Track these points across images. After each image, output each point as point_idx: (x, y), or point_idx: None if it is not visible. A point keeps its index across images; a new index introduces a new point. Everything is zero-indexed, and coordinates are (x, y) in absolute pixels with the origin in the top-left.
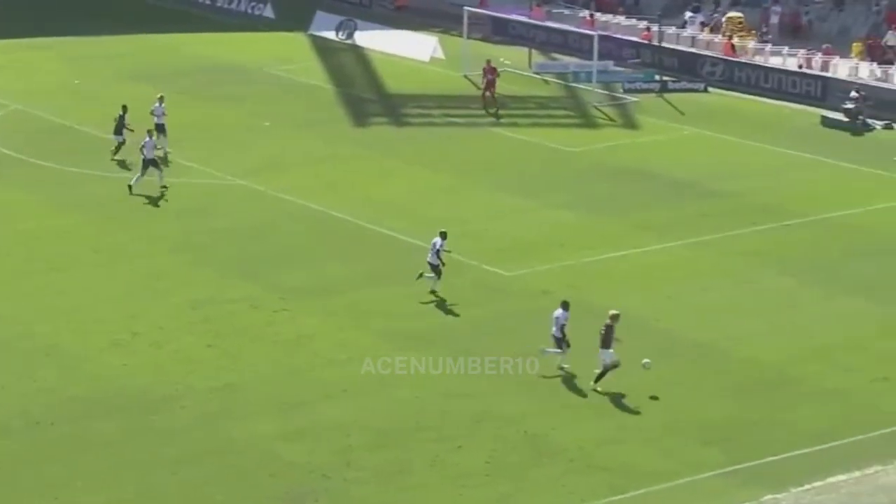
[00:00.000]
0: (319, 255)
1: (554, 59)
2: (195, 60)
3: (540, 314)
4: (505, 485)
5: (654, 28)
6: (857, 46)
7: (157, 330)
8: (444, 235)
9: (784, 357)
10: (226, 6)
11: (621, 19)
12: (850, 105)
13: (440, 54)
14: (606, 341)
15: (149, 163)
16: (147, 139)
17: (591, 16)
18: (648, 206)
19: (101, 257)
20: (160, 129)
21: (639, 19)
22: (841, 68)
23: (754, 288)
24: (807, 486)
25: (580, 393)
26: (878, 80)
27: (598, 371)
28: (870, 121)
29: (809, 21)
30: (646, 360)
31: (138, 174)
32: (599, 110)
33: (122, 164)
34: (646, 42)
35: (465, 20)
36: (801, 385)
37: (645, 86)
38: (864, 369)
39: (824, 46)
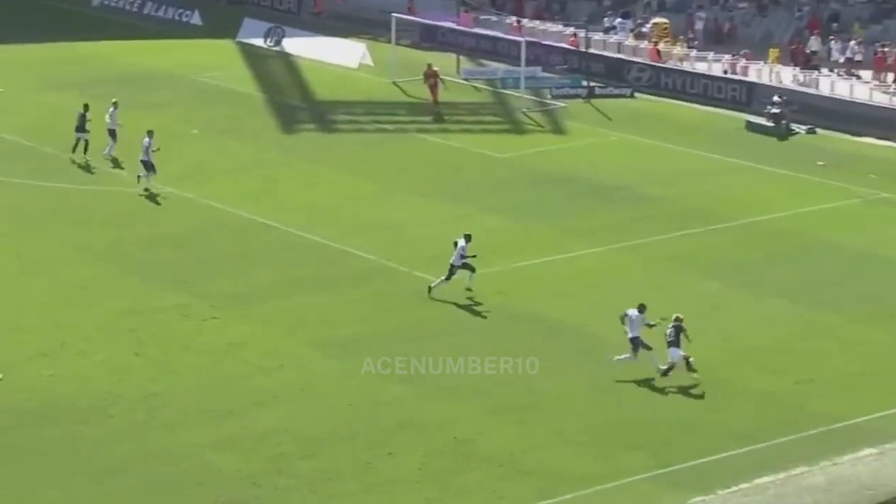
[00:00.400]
0: (249, 263)
1: (482, 65)
2: (122, 68)
3: (469, 320)
4: (435, 491)
5: (581, 34)
6: (773, 52)
7: (84, 339)
8: (468, 238)
9: (711, 360)
10: (153, 13)
11: (548, 25)
12: (776, 110)
13: (369, 61)
14: (675, 341)
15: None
16: (147, 140)
17: (519, 22)
18: (577, 211)
19: (25, 266)
20: (112, 134)
21: (566, 25)
22: (765, 73)
23: (682, 292)
24: (734, 488)
25: (507, 398)
26: (801, 85)
27: (664, 367)
28: (793, 125)
29: (734, 26)
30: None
31: (144, 174)
32: (528, 116)
33: (86, 168)
34: (573, 48)
35: (394, 27)
36: (728, 387)
37: (573, 91)
38: (789, 371)
39: (743, 52)
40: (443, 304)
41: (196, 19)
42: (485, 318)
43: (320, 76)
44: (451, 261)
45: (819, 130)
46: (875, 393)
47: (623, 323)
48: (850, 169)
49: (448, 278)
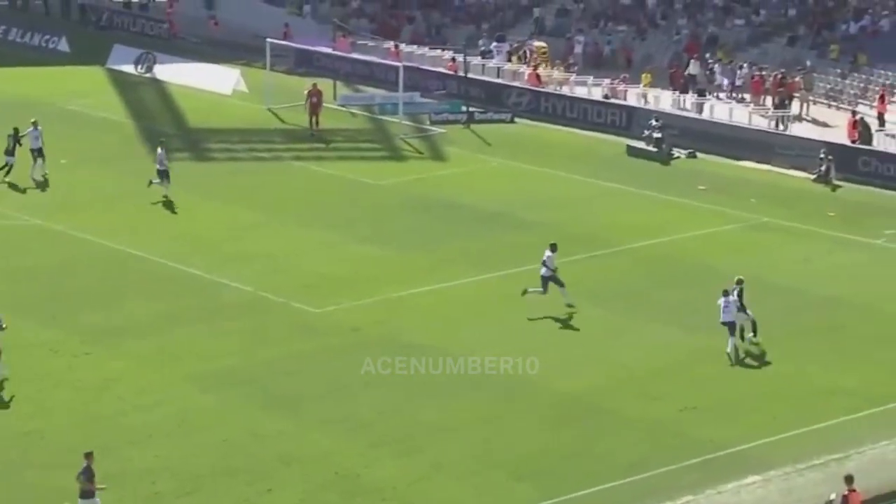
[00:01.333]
0: (121, 296)
1: (359, 90)
2: None
3: (349, 352)
4: None
5: (460, 58)
6: (646, 77)
7: None
8: (553, 248)
9: (595, 388)
10: (18, 39)
11: (426, 50)
12: (657, 134)
13: (243, 87)
14: (742, 306)
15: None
16: (160, 151)
17: (397, 47)
18: (458, 238)
19: None
20: (39, 152)
21: (444, 50)
22: (645, 97)
23: (565, 319)
24: None
25: (389, 430)
26: (681, 108)
27: (750, 335)
28: (674, 150)
29: (613, 50)
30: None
31: (158, 180)
32: (406, 142)
33: (14, 187)
34: (452, 73)
35: (268, 52)
36: (612, 416)
37: (452, 117)
38: (673, 398)
39: (623, 76)
40: (320, 335)
41: (63, 46)
42: (365, 348)
43: (193, 103)
44: (540, 273)
45: (700, 155)
46: (758, 419)
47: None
48: (731, 193)
49: (544, 290)
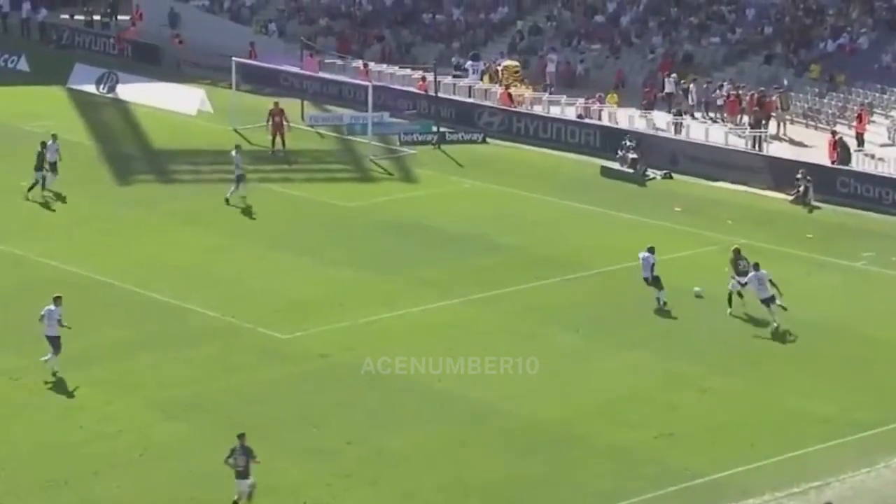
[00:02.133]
0: (85, 323)
1: (327, 110)
2: None
3: (317, 378)
4: None
5: (430, 77)
6: (612, 97)
7: None
8: (652, 250)
9: (568, 414)
10: None
11: (396, 69)
12: (632, 154)
13: (208, 107)
14: (741, 271)
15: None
16: (234, 153)
17: (366, 66)
18: (428, 261)
19: None
20: (53, 167)
21: (413, 69)
22: (620, 117)
23: (537, 344)
24: None
25: (357, 459)
26: (656, 129)
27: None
28: (650, 171)
29: (586, 69)
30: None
31: (234, 188)
32: (376, 163)
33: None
34: (422, 92)
35: (234, 71)
36: (586, 443)
37: (422, 137)
38: (648, 424)
39: (598, 95)
40: (288, 362)
41: (23, 65)
42: (335, 375)
43: (157, 124)
44: (643, 276)
45: (675, 175)
46: (736, 446)
47: None
48: (707, 215)
49: (660, 288)
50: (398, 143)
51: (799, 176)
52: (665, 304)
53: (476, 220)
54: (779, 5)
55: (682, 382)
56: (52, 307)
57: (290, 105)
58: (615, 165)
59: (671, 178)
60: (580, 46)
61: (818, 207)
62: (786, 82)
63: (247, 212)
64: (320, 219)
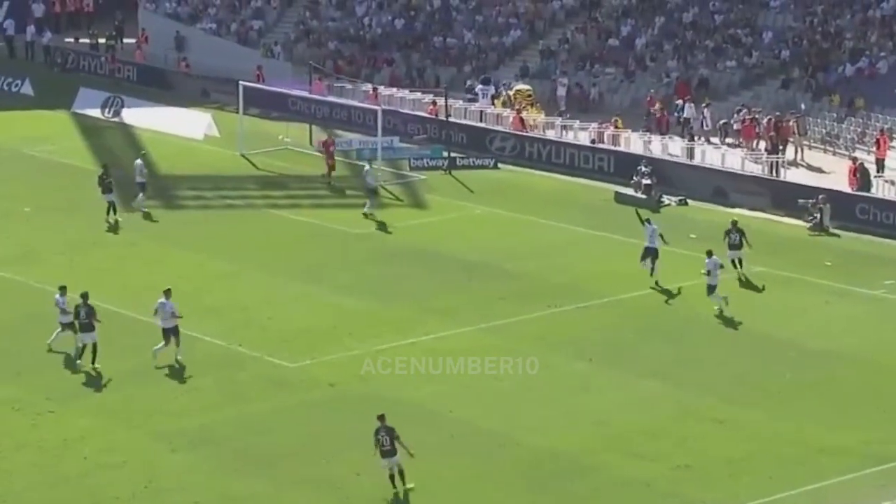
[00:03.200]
0: (87, 351)
1: (336, 135)
2: None
3: (326, 407)
4: None
5: (441, 101)
6: (618, 121)
7: None
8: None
9: (581, 446)
10: None
11: (406, 93)
12: (647, 180)
13: (215, 132)
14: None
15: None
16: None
17: (375, 90)
18: (439, 289)
19: None
20: (142, 186)
21: (424, 92)
22: (634, 142)
23: (550, 373)
24: None
25: (366, 491)
26: (671, 154)
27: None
28: (664, 196)
29: (600, 93)
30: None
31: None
32: (385, 189)
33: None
34: (432, 116)
35: (241, 95)
36: (600, 475)
37: (432, 162)
38: (665, 456)
39: (613, 119)
40: (296, 391)
41: (27, 89)
42: (345, 405)
43: (163, 148)
44: (646, 245)
45: (691, 201)
46: (754, 479)
47: None
48: (723, 241)
49: (656, 258)
50: (408, 169)
51: (813, 202)
52: (653, 271)
53: (487, 247)
54: (796, 29)
55: (697, 413)
56: (165, 300)
57: (298, 130)
58: (629, 191)
59: (686, 204)
60: (594, 70)
61: (837, 234)
62: (803, 107)
63: (254, 238)
64: (328, 245)
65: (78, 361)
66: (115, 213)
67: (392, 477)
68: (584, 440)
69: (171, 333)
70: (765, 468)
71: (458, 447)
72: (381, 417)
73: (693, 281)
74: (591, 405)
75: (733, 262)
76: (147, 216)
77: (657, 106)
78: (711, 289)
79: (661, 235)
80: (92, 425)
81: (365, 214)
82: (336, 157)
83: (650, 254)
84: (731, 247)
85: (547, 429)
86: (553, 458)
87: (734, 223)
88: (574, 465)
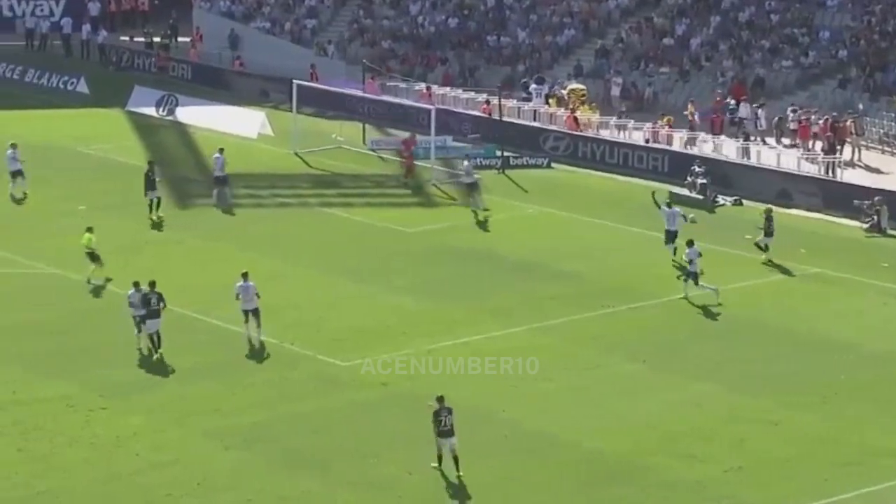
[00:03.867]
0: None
1: (390, 134)
2: (2, 139)
3: (377, 407)
4: None
5: (495, 101)
6: (670, 119)
7: None
8: (670, 205)
9: (632, 447)
10: (35, 81)
11: (459, 92)
12: (702, 180)
13: (268, 130)
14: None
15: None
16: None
17: (429, 89)
18: (491, 289)
19: None
20: (223, 181)
21: (478, 92)
22: (688, 142)
23: (602, 374)
24: None
25: (418, 491)
26: (724, 153)
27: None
28: (719, 197)
29: (654, 93)
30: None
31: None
32: (438, 188)
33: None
34: (486, 115)
35: (295, 94)
36: (651, 476)
37: (486, 162)
38: (717, 458)
39: (667, 118)
40: (348, 390)
41: (82, 87)
42: (396, 404)
43: (217, 147)
44: (666, 228)
45: (746, 202)
46: (809, 481)
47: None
48: (779, 243)
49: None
50: (461, 168)
51: (869, 202)
52: (675, 251)
53: (540, 247)
54: (853, 28)
55: (750, 415)
56: (245, 282)
57: (351, 129)
58: (684, 191)
59: (741, 204)
60: (648, 69)
61: (894, 236)
62: (861, 107)
63: (306, 236)
64: (381, 244)
65: (153, 350)
66: (158, 210)
67: (440, 457)
68: (636, 441)
69: (252, 314)
70: (819, 470)
71: (509, 447)
72: (441, 399)
73: (747, 282)
74: (643, 406)
75: (759, 246)
76: (203, 214)
77: (690, 108)
78: (695, 277)
79: (685, 216)
80: (144, 423)
81: (474, 211)
82: (386, 157)
83: (672, 237)
84: (766, 233)
85: (598, 430)
86: (604, 459)
87: (769, 210)
88: (625, 467)
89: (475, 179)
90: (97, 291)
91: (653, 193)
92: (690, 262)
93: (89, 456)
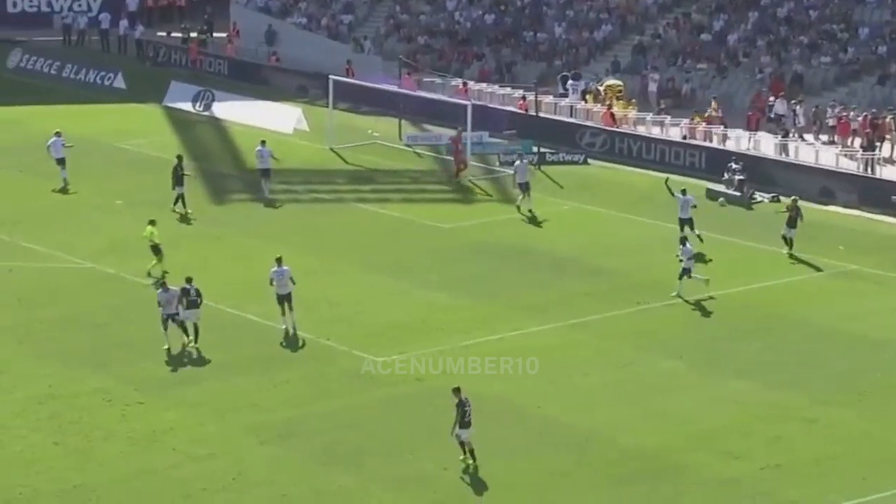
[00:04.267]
0: (176, 343)
1: (425, 130)
2: (40, 135)
3: (413, 402)
4: None
5: (531, 97)
6: (697, 115)
7: None
8: (682, 241)
9: (669, 444)
10: (73, 76)
11: (496, 88)
12: (739, 176)
13: (304, 126)
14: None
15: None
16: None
17: (465, 84)
18: (527, 285)
19: None
20: (267, 173)
21: (514, 88)
22: (726, 139)
23: (638, 371)
24: None
25: (454, 487)
26: (761, 150)
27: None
28: (757, 193)
29: (692, 89)
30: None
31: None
32: (474, 184)
33: (184, 218)
34: (522, 111)
35: (331, 90)
36: (688, 474)
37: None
38: (754, 456)
39: (706, 115)
40: (383, 386)
41: (119, 82)
42: (431, 400)
43: (253, 143)
44: (679, 216)
45: (783, 199)
46: (846, 479)
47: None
48: (817, 240)
49: (693, 228)
50: (497, 164)
51: None
52: (686, 239)
53: (576, 243)
54: (893, 24)
55: (787, 412)
56: (280, 268)
57: (387, 124)
58: (721, 188)
59: (779, 200)
60: (686, 65)
61: None
62: None
63: (342, 232)
64: (418, 240)
65: (188, 341)
66: (184, 206)
67: (463, 444)
68: (672, 438)
69: (285, 300)
70: (857, 469)
71: (544, 443)
72: (458, 390)
73: (785, 279)
74: (679, 403)
75: (786, 238)
76: (239, 209)
77: (713, 105)
78: (687, 272)
79: (695, 206)
80: (180, 417)
81: (518, 208)
82: (422, 153)
83: (685, 224)
84: (789, 223)
85: (634, 426)
86: (640, 456)
87: (794, 200)
88: (661, 464)
89: (526, 180)
90: (134, 287)
91: (666, 180)
92: (682, 260)
93: (125, 450)
